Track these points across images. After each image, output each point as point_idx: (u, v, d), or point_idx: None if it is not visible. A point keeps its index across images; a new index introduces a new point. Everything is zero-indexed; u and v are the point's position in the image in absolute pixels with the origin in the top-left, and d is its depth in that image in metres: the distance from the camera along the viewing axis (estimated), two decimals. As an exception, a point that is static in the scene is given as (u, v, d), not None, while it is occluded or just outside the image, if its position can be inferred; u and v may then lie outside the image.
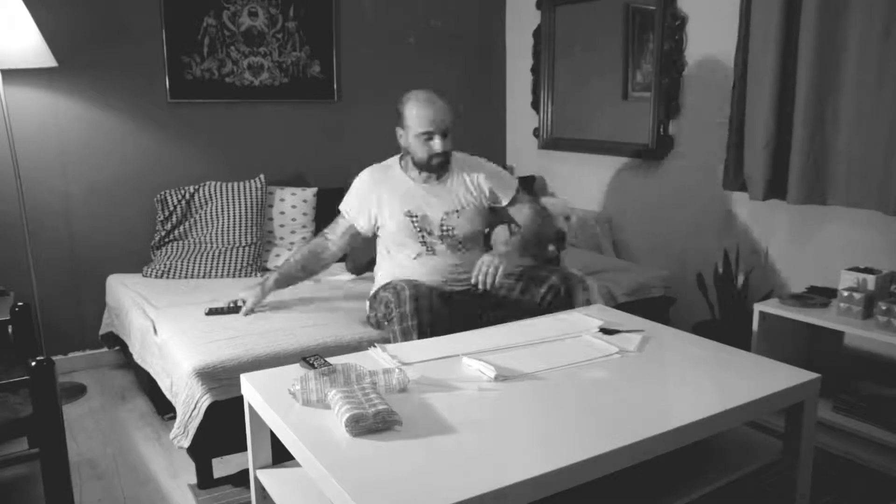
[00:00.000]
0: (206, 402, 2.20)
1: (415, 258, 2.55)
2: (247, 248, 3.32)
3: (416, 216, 2.53)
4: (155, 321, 2.65)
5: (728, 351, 2.01)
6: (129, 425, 2.82)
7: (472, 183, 2.61)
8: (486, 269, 2.33)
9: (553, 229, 2.77)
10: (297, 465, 1.77)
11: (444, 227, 2.55)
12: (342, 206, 2.63)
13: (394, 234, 2.56)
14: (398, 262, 2.59)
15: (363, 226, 2.59)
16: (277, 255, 3.42)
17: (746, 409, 1.68)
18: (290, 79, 3.68)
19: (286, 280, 2.69)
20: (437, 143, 2.46)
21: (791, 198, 2.82)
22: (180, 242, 3.32)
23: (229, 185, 3.36)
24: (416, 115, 2.45)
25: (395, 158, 2.64)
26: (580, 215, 2.71)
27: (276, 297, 2.80)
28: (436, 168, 2.53)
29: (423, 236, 2.54)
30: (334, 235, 2.64)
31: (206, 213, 3.34)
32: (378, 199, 2.55)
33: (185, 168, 3.49)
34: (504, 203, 2.67)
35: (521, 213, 2.69)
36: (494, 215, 2.77)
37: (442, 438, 1.49)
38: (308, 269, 2.67)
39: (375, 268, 2.72)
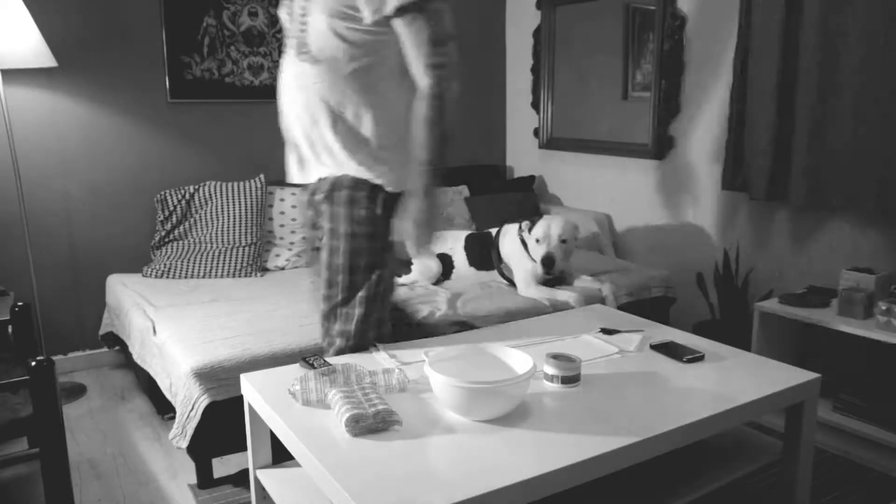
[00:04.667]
0: (203, 402, 2.20)
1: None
2: (247, 248, 3.31)
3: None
4: (154, 321, 2.65)
5: (728, 351, 2.01)
6: (129, 425, 2.81)
7: None
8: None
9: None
10: (297, 465, 1.77)
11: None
12: None
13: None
14: None
15: None
16: (277, 255, 3.42)
17: (746, 409, 1.68)
18: (290, 79, 3.67)
19: None
20: None
21: (791, 198, 2.81)
22: (180, 242, 3.32)
23: (229, 185, 3.36)
24: None
25: None
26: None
27: (274, 296, 2.78)
28: None
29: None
30: None
31: (205, 213, 3.34)
32: None
33: (185, 168, 3.49)
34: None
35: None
36: None
37: (442, 438, 1.49)
38: None
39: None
